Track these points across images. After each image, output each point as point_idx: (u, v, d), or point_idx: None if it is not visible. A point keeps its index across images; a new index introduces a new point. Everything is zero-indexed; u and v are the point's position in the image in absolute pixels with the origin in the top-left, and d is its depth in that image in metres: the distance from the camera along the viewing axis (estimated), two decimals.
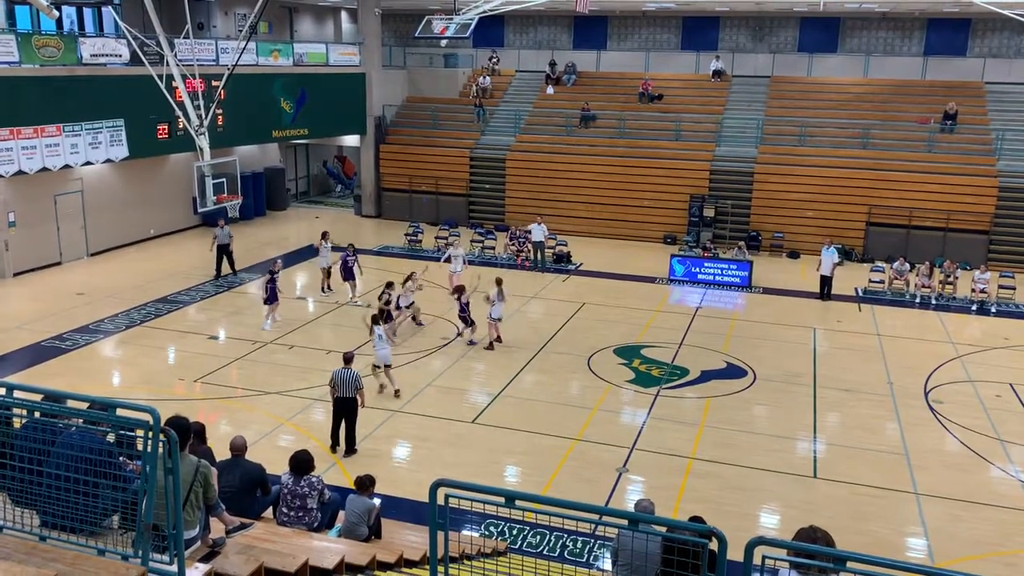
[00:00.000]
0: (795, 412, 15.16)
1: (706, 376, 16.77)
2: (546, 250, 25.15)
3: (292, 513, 8.58)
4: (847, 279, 23.60)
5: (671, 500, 11.75)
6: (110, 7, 19.03)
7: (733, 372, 17.05)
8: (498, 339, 18.04)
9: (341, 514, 8.92)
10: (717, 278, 23.67)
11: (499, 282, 17.95)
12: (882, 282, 23.24)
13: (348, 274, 20.75)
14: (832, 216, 26.90)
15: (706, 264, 24.04)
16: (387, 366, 15.23)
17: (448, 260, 21.72)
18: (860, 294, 22.92)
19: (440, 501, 5.05)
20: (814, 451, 13.68)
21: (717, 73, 32.15)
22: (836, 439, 14.19)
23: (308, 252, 24.82)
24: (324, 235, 21.72)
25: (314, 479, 8.73)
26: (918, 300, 22.42)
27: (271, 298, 18.59)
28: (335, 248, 21.81)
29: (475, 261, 24.09)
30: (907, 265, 23.17)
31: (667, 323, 20.08)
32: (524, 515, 5.82)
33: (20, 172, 20.69)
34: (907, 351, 18.58)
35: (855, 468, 13.02)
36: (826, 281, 22.21)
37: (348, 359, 13.24)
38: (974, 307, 21.88)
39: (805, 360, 17.81)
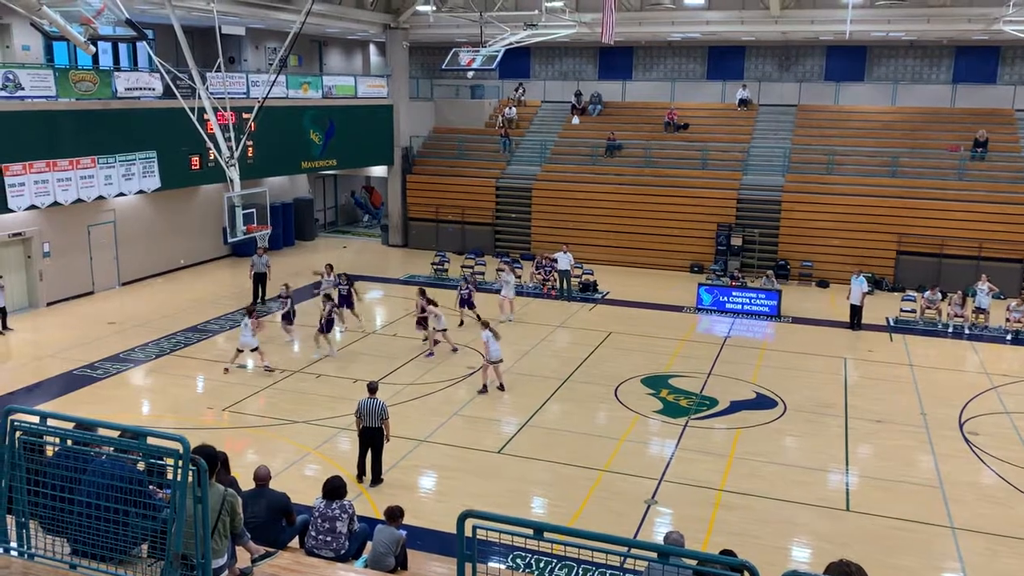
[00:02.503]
0: (826, 443, 14.92)
1: (735, 406, 16.58)
2: (572, 279, 25.11)
3: (321, 537, 8.57)
4: (878, 308, 23.32)
5: (701, 532, 11.58)
6: (144, 42, 19.47)
7: (763, 402, 16.84)
8: (485, 387, 16.99)
9: (369, 544, 8.89)
10: (745, 307, 23.49)
11: (486, 324, 17.23)
12: (914, 311, 22.92)
13: (343, 301, 20.71)
14: (862, 245, 26.66)
15: (734, 293, 23.86)
16: (253, 349, 17.80)
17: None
18: (891, 324, 22.62)
19: (468, 532, 5.01)
20: (846, 483, 13.45)
21: (743, 102, 32.15)
22: (869, 471, 13.94)
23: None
24: (328, 267, 21.58)
25: (346, 503, 8.76)
26: (951, 330, 22.07)
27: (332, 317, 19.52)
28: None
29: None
30: (939, 294, 22.84)
31: (695, 352, 19.93)
32: (552, 547, 5.74)
33: (55, 203, 21.11)
34: (940, 382, 18.27)
35: (888, 501, 12.76)
36: (856, 310, 21.95)
37: (373, 389, 13.20)
38: (1008, 337, 21.50)
39: (836, 390, 17.57)
